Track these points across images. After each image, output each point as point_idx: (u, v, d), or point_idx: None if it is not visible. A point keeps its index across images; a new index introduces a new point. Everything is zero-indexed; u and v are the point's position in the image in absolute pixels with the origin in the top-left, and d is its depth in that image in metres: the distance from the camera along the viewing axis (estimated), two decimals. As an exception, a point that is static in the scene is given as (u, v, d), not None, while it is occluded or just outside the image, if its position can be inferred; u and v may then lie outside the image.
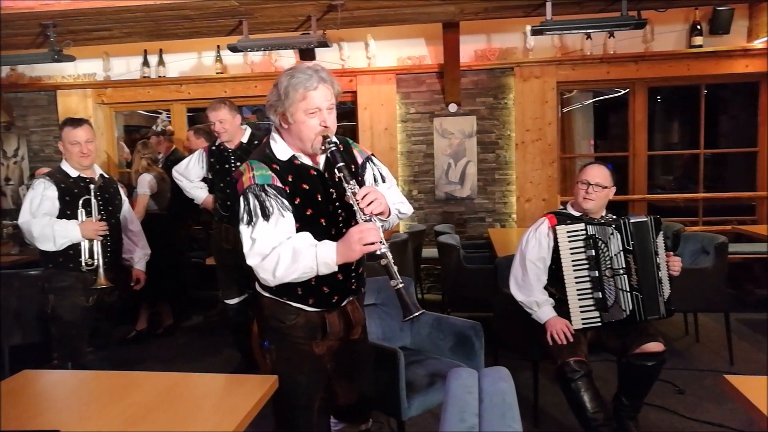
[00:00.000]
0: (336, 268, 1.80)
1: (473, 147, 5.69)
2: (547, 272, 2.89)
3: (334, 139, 1.87)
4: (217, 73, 5.93)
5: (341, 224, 1.95)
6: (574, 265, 2.79)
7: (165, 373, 1.98)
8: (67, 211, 3.10)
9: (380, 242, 1.74)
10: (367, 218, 1.77)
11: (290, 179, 1.89)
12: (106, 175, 3.37)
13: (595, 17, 4.15)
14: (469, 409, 1.50)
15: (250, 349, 3.78)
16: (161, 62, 6.02)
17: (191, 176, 4.09)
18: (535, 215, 5.37)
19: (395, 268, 1.76)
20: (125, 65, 6.18)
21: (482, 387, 1.59)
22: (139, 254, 3.51)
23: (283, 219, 1.83)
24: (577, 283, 2.79)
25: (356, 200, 1.79)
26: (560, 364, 2.66)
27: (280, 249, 1.78)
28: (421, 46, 5.77)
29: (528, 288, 2.86)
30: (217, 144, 3.93)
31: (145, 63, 6.04)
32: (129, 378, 1.97)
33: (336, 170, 1.85)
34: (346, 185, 1.82)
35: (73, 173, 3.17)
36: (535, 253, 2.87)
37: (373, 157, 2.13)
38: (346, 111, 6.06)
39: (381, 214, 1.84)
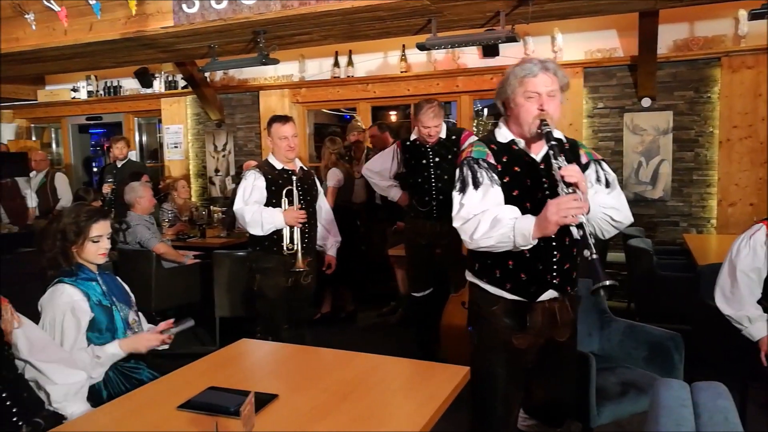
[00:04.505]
0: (533, 242, 1.81)
1: (668, 145, 5.24)
2: (761, 285, 2.57)
3: (553, 125, 1.90)
4: (402, 72, 6.13)
5: None
6: (799, 280, 2.46)
7: (367, 354, 2.10)
8: (272, 200, 3.42)
9: (579, 215, 1.71)
10: (569, 191, 1.75)
11: (504, 160, 1.99)
12: (305, 168, 3.66)
13: (834, -5, 3.59)
14: (686, 423, 1.40)
15: (430, 343, 3.85)
16: (350, 63, 6.37)
17: (386, 172, 4.06)
18: (741, 221, 4.83)
19: (592, 240, 1.72)
20: (318, 67, 6.64)
21: (698, 402, 1.47)
22: (331, 241, 3.77)
23: (492, 189, 1.92)
24: (802, 300, 2.46)
25: (557, 168, 1.79)
26: (778, 389, 2.36)
27: (481, 215, 1.87)
28: (611, 38, 5.44)
29: (738, 301, 2.57)
30: (412, 139, 3.95)
31: (336, 64, 6.43)
32: (335, 355, 2.13)
33: (549, 149, 1.86)
34: (553, 161, 1.82)
35: (278, 165, 3.49)
36: (748, 263, 2.57)
37: (602, 162, 2.08)
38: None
39: (575, 186, 1.77)
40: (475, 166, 1.95)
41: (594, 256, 1.67)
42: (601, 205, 1.94)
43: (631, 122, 5.34)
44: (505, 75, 2.01)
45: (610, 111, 5.45)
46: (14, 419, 1.73)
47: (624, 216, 1.98)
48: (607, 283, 1.64)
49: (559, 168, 1.78)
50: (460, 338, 3.31)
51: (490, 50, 5.56)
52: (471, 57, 5.91)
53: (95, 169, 8.76)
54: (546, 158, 1.98)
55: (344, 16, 4.32)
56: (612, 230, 1.99)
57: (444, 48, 4.48)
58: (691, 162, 5.24)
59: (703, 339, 3.20)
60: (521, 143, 2.02)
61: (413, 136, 3.93)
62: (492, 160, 1.96)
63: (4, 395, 1.73)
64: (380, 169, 4.09)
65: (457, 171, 1.99)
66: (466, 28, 4.73)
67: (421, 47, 4.43)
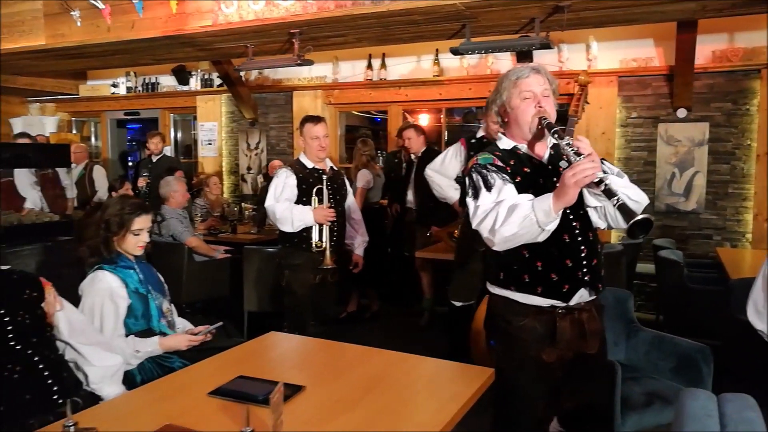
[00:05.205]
0: (556, 217, 1.76)
1: (703, 156, 5.16)
2: (796, 301, 2.52)
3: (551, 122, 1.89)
4: (434, 76, 6.15)
5: (567, 210, 1.87)
6: (834, 296, 2.40)
7: (392, 351, 2.13)
8: (303, 198, 3.48)
9: (597, 173, 1.68)
10: (578, 158, 1.71)
11: (512, 163, 1.96)
12: (335, 168, 3.72)
13: None
14: (710, 434, 1.40)
15: (460, 349, 3.82)
16: (383, 66, 6.41)
17: (450, 173, 3.82)
18: (777, 237, 4.74)
19: (624, 178, 1.72)
20: (351, 69, 6.69)
21: (724, 412, 1.46)
22: (359, 240, 3.82)
23: (506, 187, 1.88)
24: (838, 316, 2.40)
25: (566, 145, 1.76)
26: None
27: (497, 207, 1.83)
28: (648, 47, 5.38)
29: (771, 316, 2.53)
30: (478, 137, 3.75)
31: (369, 66, 6.48)
32: (360, 351, 2.16)
33: (553, 134, 1.83)
34: (560, 141, 1.79)
35: (309, 164, 3.55)
36: (782, 278, 2.52)
37: (604, 159, 2.06)
38: (562, 114, 5.88)
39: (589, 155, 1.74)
40: (484, 171, 1.92)
41: (621, 201, 1.65)
42: (616, 185, 1.89)
43: (665, 133, 5.28)
44: (496, 84, 2.02)
45: (644, 121, 5.40)
46: (54, 397, 1.81)
47: (640, 196, 1.89)
48: (640, 217, 1.61)
49: (569, 145, 1.75)
50: (485, 344, 3.30)
51: (524, 57, 5.54)
52: (504, 63, 5.90)
53: (130, 164, 8.97)
54: (551, 159, 1.98)
55: (379, 19, 4.37)
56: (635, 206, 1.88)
57: (477, 53, 4.49)
58: (726, 175, 5.15)
59: (733, 354, 3.16)
60: (524, 148, 2.00)
61: (480, 134, 3.74)
62: (500, 164, 1.95)
63: (46, 374, 1.81)
64: (441, 168, 3.87)
65: (466, 180, 1.97)
66: (500, 34, 4.74)
67: (455, 51, 4.45)
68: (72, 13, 5.20)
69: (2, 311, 1.78)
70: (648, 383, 2.61)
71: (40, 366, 1.81)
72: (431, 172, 3.90)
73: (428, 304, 5.18)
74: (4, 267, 1.93)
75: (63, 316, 1.98)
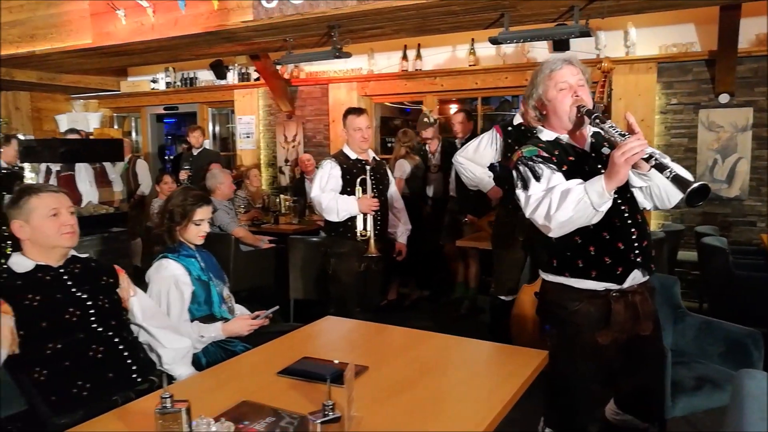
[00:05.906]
0: (609, 198, 1.79)
1: (747, 142, 5.08)
2: None
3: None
4: (470, 65, 6.16)
5: (615, 193, 1.87)
6: None
7: (448, 335, 2.20)
8: (347, 188, 3.56)
9: (645, 149, 1.71)
10: (623, 138, 1.74)
11: (556, 153, 2.00)
12: (378, 158, 3.79)
13: None
14: (771, 412, 1.43)
15: (501, 336, 3.86)
16: (418, 56, 6.45)
17: (484, 160, 3.79)
18: (823, 223, 4.65)
19: (666, 159, 1.74)
20: (386, 60, 6.74)
21: (783, 392, 1.49)
22: (401, 229, 3.89)
23: (555, 176, 1.93)
24: None
25: (610, 128, 1.79)
26: None
27: (549, 194, 1.87)
28: (688, 32, 5.30)
29: (822, 301, 2.53)
30: (516, 124, 3.69)
31: (404, 57, 6.52)
32: (414, 334, 2.24)
33: (594, 119, 1.87)
34: (602, 125, 1.84)
35: (353, 155, 3.63)
36: (833, 263, 2.52)
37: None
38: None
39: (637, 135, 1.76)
40: (530, 162, 1.95)
41: (673, 172, 1.67)
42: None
43: (707, 119, 5.21)
44: (529, 80, 2.07)
45: (685, 107, 5.33)
46: (133, 376, 1.92)
47: (685, 172, 1.80)
48: (697, 184, 1.62)
49: (612, 128, 1.79)
50: (532, 329, 3.34)
51: (560, 45, 5.53)
52: (541, 51, 5.88)
53: (167, 158, 9.19)
54: (593, 146, 2.02)
55: (418, 11, 4.41)
56: (677, 193, 1.86)
57: (516, 42, 4.49)
58: (771, 160, 5.07)
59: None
60: (565, 138, 2.03)
61: (517, 120, 3.69)
62: (545, 155, 1.98)
63: (125, 354, 1.93)
64: (474, 156, 3.80)
65: (514, 173, 2.00)
66: (538, 23, 4.74)
67: (494, 41, 4.46)
68: (117, 11, 5.36)
69: (85, 296, 1.91)
70: (697, 368, 2.62)
71: (120, 347, 1.93)
72: (462, 159, 3.86)
73: (472, 293, 5.21)
74: (82, 255, 2.05)
75: (136, 301, 2.10)
